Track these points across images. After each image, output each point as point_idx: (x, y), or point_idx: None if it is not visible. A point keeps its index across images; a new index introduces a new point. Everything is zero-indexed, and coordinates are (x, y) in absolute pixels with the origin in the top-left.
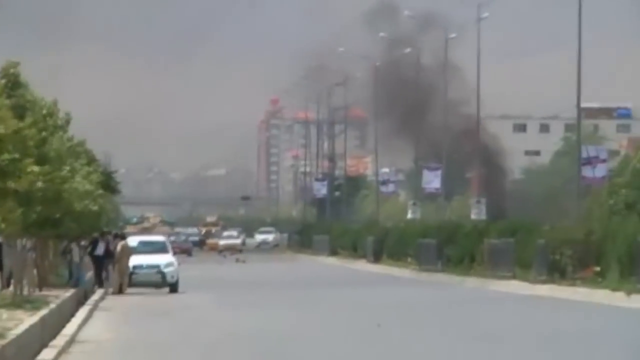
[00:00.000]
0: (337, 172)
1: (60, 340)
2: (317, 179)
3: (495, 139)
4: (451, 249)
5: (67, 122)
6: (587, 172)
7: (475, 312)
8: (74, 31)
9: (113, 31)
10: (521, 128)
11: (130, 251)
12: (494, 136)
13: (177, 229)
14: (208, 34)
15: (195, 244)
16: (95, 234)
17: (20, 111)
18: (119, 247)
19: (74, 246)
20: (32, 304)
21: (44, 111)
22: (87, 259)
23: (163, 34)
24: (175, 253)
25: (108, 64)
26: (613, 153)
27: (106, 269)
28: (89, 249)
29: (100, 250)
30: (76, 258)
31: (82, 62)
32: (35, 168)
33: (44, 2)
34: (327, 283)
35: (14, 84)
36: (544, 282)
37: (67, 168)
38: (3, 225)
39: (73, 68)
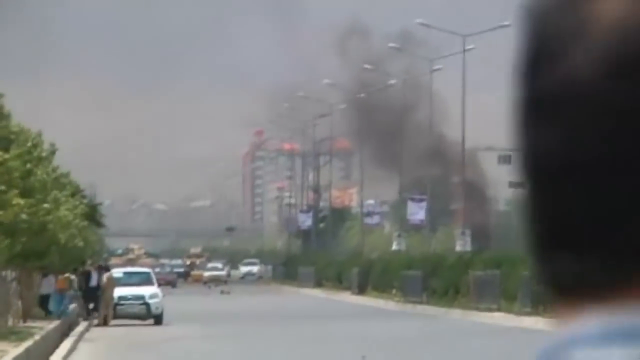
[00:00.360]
0: (322, 204)
1: None
2: (302, 211)
3: (480, 171)
4: (436, 280)
5: (52, 153)
6: None
7: (460, 345)
8: (57, 62)
9: (98, 61)
10: (506, 159)
11: (114, 283)
12: (478, 167)
13: (162, 261)
14: (191, 64)
15: (179, 275)
16: (89, 267)
17: (5, 143)
18: (104, 279)
19: (46, 279)
20: (16, 335)
21: (29, 143)
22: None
23: (147, 64)
24: (159, 284)
25: (93, 94)
26: None
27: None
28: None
29: (94, 282)
30: (75, 287)
31: (66, 93)
32: (20, 200)
33: (25, 33)
34: (312, 315)
35: None
36: (529, 314)
37: (52, 199)
38: None
39: (57, 99)
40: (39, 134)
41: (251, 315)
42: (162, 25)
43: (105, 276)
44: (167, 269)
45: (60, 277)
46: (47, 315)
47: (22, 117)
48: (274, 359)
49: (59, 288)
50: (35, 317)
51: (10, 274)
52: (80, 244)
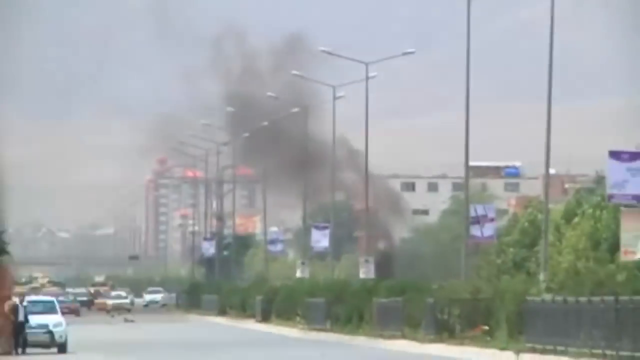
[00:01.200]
0: (225, 231)
1: None
2: (205, 238)
3: (383, 198)
4: (340, 307)
5: None
6: (475, 230)
7: None
8: None
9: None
10: (410, 187)
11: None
12: (383, 194)
13: (68, 289)
14: (94, 90)
15: (83, 303)
16: (15, 300)
17: None
18: (6, 307)
19: None
20: None
21: None
22: None
23: (51, 89)
24: (63, 313)
25: None
26: (501, 212)
27: None
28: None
29: (21, 315)
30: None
31: None
32: None
33: None
34: (215, 344)
35: None
36: (432, 340)
37: None
38: None
39: None
40: None
41: (154, 344)
42: (67, 49)
43: (6, 304)
44: (71, 298)
45: None
46: None
47: None
48: None
49: None
50: None
51: None
52: None
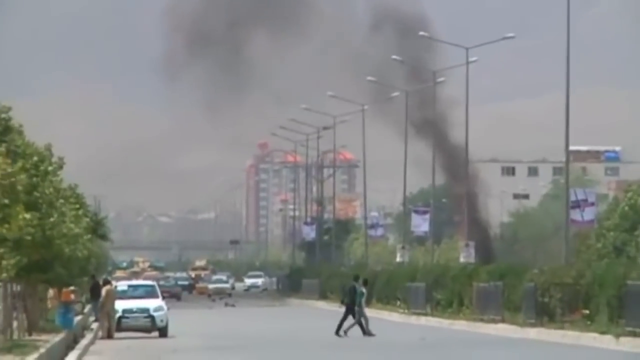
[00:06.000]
0: (326, 216)
1: None
2: (306, 223)
3: (483, 183)
4: (440, 292)
5: (60, 166)
6: (575, 215)
7: (466, 356)
8: (62, 76)
9: (103, 75)
10: (510, 171)
11: (114, 296)
12: (482, 180)
13: (167, 274)
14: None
15: (184, 288)
16: (100, 283)
17: (11, 156)
18: (103, 292)
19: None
20: (21, 349)
21: (35, 157)
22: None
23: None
24: (164, 297)
25: (98, 108)
26: (602, 196)
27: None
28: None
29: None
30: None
31: (73, 107)
32: (26, 214)
33: (34, 45)
34: (317, 327)
35: (5, 129)
36: (532, 325)
37: (58, 213)
38: None
39: (65, 112)
40: (48, 148)
41: (255, 328)
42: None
43: (105, 289)
44: (172, 282)
45: (64, 289)
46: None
47: (31, 131)
48: None
49: (64, 300)
50: (40, 330)
51: (15, 287)
52: (85, 252)
